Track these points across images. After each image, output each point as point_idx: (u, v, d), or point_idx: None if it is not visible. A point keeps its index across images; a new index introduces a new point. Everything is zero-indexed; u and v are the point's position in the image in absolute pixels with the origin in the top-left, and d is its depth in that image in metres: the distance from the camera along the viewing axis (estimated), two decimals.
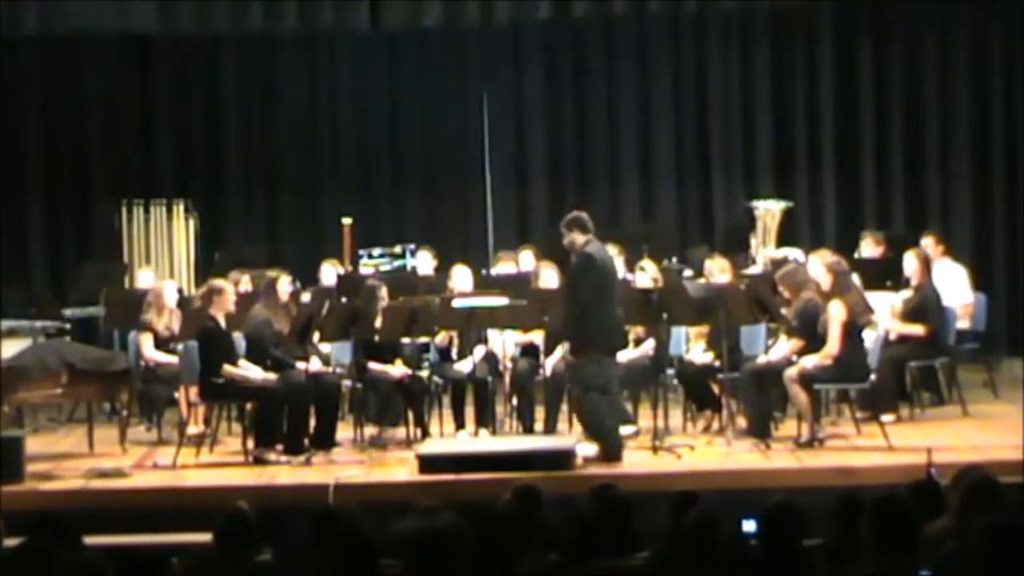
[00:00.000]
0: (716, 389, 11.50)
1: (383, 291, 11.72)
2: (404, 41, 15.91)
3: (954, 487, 6.53)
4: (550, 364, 11.47)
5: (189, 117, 16.16)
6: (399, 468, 10.58)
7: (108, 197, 15.68)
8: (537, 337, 11.66)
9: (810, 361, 10.76)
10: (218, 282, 11.63)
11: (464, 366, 11.71)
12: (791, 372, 10.75)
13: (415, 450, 10.72)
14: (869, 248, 13.38)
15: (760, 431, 10.90)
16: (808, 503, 6.23)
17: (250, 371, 11.03)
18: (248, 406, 11.15)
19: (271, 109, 16.19)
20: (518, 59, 16.15)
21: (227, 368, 10.95)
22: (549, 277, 11.92)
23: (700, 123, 16.01)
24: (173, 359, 11.84)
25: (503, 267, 13.36)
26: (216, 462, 10.99)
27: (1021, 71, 15.31)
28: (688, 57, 16.01)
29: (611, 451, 10.45)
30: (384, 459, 10.90)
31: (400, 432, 11.52)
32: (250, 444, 10.96)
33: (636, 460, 10.59)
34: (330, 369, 11.69)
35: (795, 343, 11.00)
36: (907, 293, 12.23)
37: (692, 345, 11.75)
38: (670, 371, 11.56)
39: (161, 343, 12.06)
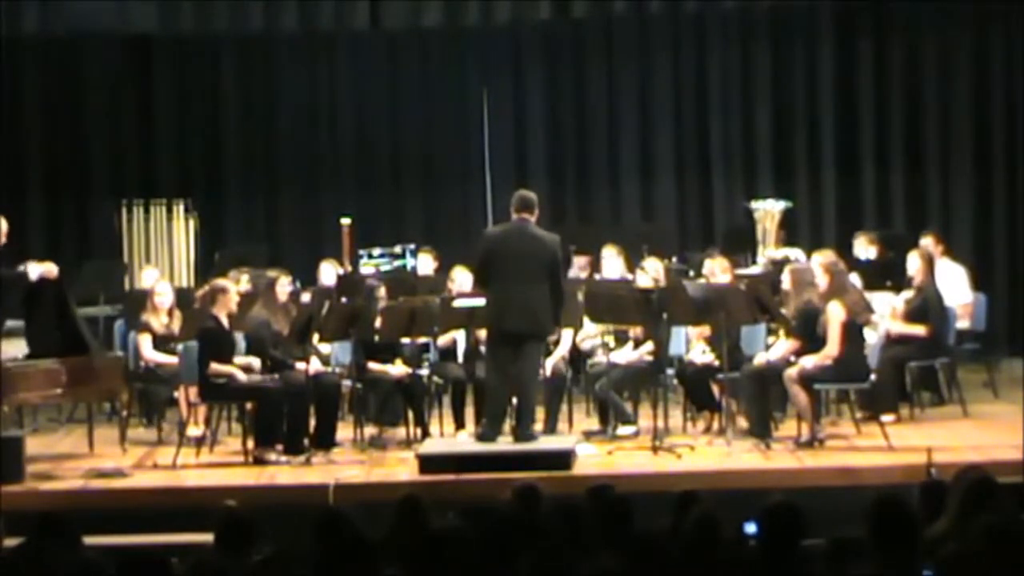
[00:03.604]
0: (716, 389, 11.50)
1: (382, 291, 11.73)
2: (404, 41, 15.91)
3: (954, 487, 6.53)
4: (550, 364, 11.47)
5: (189, 117, 16.16)
6: (399, 468, 10.58)
7: (108, 197, 15.68)
8: None
9: (810, 361, 10.75)
10: (221, 281, 11.64)
11: None
12: (791, 372, 10.75)
13: (415, 450, 10.73)
14: (862, 248, 13.39)
15: (760, 431, 10.90)
16: (808, 503, 6.23)
17: (234, 369, 11.02)
18: (248, 406, 11.16)
19: (271, 109, 16.18)
20: (518, 59, 16.15)
21: (213, 367, 10.93)
22: None
23: (700, 123, 16.00)
24: (173, 359, 11.84)
25: None
26: (216, 462, 10.99)
27: (1021, 71, 15.31)
28: (688, 57, 16.01)
29: (484, 433, 10.67)
30: (384, 459, 10.91)
31: (400, 432, 11.53)
32: (250, 444, 10.96)
33: (636, 460, 10.60)
34: (330, 369, 11.70)
35: (794, 343, 11.00)
36: (908, 293, 12.23)
37: (692, 345, 11.74)
38: (670, 371, 11.55)
39: (159, 343, 12.06)
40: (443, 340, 11.86)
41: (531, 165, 16.08)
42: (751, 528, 6.17)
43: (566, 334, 11.67)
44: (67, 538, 6.36)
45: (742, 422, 11.21)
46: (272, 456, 10.80)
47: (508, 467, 9.91)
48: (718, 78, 15.92)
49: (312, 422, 11.09)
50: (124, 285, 14.34)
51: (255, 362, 11.13)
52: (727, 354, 11.04)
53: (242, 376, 10.96)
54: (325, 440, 11.08)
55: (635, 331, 11.60)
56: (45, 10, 14.51)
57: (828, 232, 15.49)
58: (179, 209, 15.40)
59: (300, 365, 11.17)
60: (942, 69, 15.68)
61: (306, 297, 12.53)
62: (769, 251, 13.87)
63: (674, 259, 13.90)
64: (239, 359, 11.13)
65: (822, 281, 10.99)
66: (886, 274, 12.77)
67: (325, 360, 11.77)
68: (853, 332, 10.81)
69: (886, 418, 11.27)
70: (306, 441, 10.93)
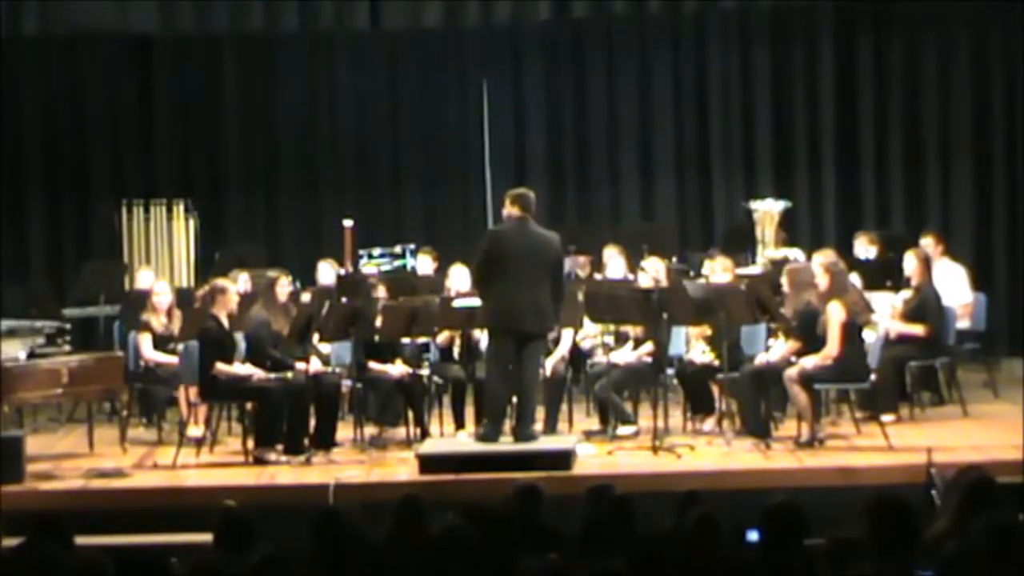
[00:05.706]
0: (716, 389, 11.50)
1: (380, 290, 11.72)
2: (404, 41, 15.91)
3: (954, 487, 6.53)
4: (550, 364, 11.47)
5: (189, 117, 16.15)
6: (399, 468, 10.58)
7: (108, 197, 15.67)
8: None
9: (810, 361, 10.75)
10: (221, 281, 11.63)
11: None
12: (791, 372, 10.75)
13: (415, 450, 10.73)
14: (863, 248, 13.39)
15: (760, 431, 10.90)
16: (808, 503, 6.24)
17: (243, 368, 11.01)
18: (248, 406, 11.16)
19: (271, 109, 16.18)
20: (518, 59, 16.15)
21: (219, 367, 10.93)
22: None
23: (700, 123, 16.00)
24: (173, 359, 11.85)
25: None
26: (216, 462, 10.99)
27: (1021, 71, 15.31)
28: (688, 57, 16.00)
29: (485, 433, 10.64)
30: (384, 459, 10.91)
31: (400, 432, 11.53)
32: (250, 444, 10.96)
33: (636, 460, 10.60)
34: (330, 369, 11.69)
35: (792, 344, 10.99)
36: (907, 293, 12.24)
37: (692, 345, 11.74)
38: (670, 371, 11.55)
39: (159, 343, 12.06)
40: (442, 339, 11.87)
41: (531, 165, 16.08)
42: (753, 536, 6.16)
43: (566, 334, 11.67)
44: (67, 538, 6.35)
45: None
46: (272, 456, 10.80)
47: (508, 467, 9.91)
48: (718, 78, 15.92)
49: (312, 422, 11.09)
50: (124, 285, 14.34)
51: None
52: (727, 354, 11.04)
53: (258, 374, 10.94)
54: (325, 440, 11.08)
55: (635, 331, 11.59)
56: (45, 10, 14.50)
57: (828, 232, 15.48)
58: (179, 209, 15.40)
59: (300, 365, 11.17)
60: (942, 69, 15.68)
61: (306, 297, 12.52)
62: (769, 251, 13.87)
63: (674, 259, 13.90)
64: (239, 366, 11.11)
65: (822, 281, 10.98)
66: (886, 274, 12.77)
67: (325, 360, 11.77)
68: (853, 332, 10.81)
69: (886, 418, 11.27)
70: (306, 441, 10.93)
